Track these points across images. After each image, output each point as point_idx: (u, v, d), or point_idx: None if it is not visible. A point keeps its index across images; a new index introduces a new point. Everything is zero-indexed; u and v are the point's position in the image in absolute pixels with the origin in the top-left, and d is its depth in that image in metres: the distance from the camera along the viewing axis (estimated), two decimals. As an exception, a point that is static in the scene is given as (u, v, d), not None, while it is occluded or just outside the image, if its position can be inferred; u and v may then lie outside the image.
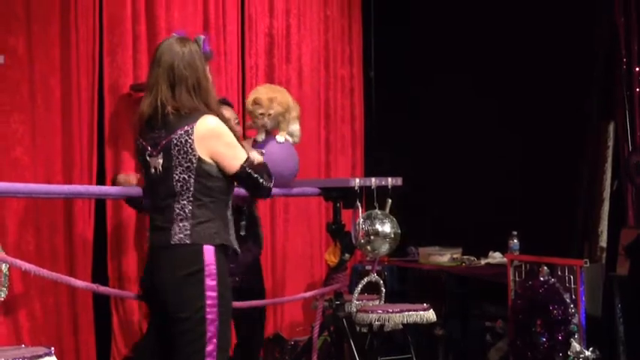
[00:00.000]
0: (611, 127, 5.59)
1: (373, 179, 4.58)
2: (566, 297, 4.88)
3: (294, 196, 4.64)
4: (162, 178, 3.24)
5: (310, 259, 6.46)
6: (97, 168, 5.35)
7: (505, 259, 5.45)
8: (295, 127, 4.45)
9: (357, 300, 5.04)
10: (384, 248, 4.58)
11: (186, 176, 3.21)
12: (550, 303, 4.89)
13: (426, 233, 6.35)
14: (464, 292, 5.96)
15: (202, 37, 3.38)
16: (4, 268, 4.50)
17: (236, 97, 5.97)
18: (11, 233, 5.01)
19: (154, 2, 5.60)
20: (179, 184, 3.21)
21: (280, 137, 4.36)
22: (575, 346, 4.78)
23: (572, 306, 4.85)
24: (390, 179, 4.60)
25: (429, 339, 5.82)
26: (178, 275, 3.17)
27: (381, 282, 5.13)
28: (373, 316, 4.90)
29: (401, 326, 5.11)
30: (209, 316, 3.16)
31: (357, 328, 5.02)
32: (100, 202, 5.31)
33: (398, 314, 4.91)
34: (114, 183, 5.01)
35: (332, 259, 4.65)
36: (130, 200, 4.25)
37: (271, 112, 4.32)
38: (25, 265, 3.53)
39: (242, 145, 3.34)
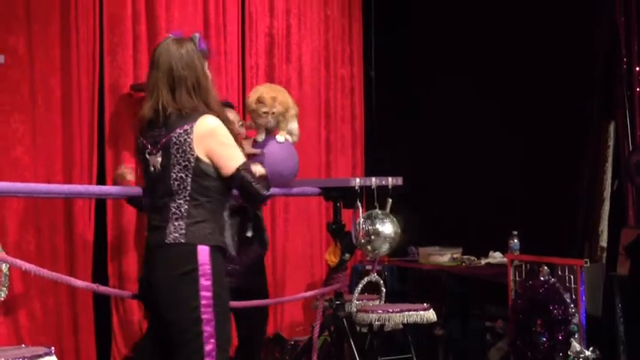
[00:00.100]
0: (612, 127, 5.60)
1: (373, 179, 4.58)
2: (567, 297, 4.88)
3: (294, 195, 4.64)
4: (161, 176, 3.24)
5: (310, 259, 6.46)
6: (98, 168, 5.35)
7: (505, 259, 5.45)
8: (294, 126, 4.45)
9: (358, 300, 5.04)
10: (385, 248, 4.58)
11: (183, 175, 3.20)
12: (550, 303, 4.89)
13: (426, 233, 6.34)
14: (464, 292, 5.96)
15: (197, 34, 3.37)
16: (5, 267, 4.51)
17: (236, 97, 5.97)
18: (11, 233, 5.01)
19: (154, 2, 5.60)
20: (176, 182, 3.21)
21: (280, 137, 4.36)
22: (576, 345, 4.78)
23: (572, 306, 4.85)
24: (390, 179, 4.60)
25: (429, 339, 5.82)
26: (172, 274, 3.17)
27: (382, 282, 5.13)
28: (373, 316, 4.90)
29: (401, 326, 5.11)
30: (205, 316, 3.15)
31: (358, 328, 5.02)
32: (101, 202, 5.31)
33: (398, 314, 4.91)
34: (114, 180, 5.02)
35: (332, 258, 4.65)
36: (131, 200, 4.25)
37: (275, 110, 4.32)
38: (25, 265, 3.53)
39: (241, 148, 3.34)
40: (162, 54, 3.28)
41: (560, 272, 4.98)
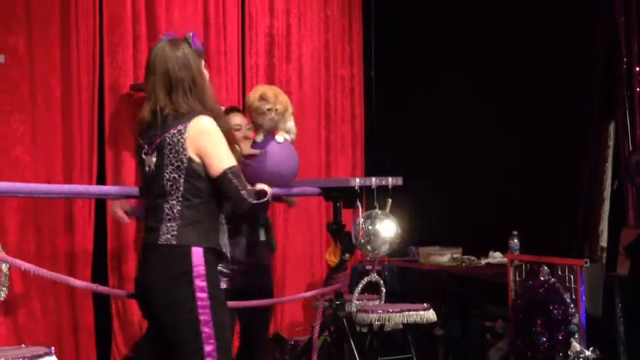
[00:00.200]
0: (612, 127, 5.59)
1: (373, 179, 4.57)
2: (567, 297, 4.88)
3: (294, 195, 4.63)
4: (155, 176, 3.24)
5: (310, 259, 6.46)
6: (97, 168, 5.35)
7: (505, 259, 5.45)
8: (292, 124, 4.45)
9: (358, 300, 5.04)
10: (384, 248, 4.57)
11: (176, 175, 3.19)
12: (550, 303, 4.89)
13: (426, 233, 6.34)
14: (464, 292, 5.95)
15: (191, 34, 3.36)
16: (4, 267, 4.51)
17: (236, 97, 5.97)
18: (11, 233, 5.01)
19: (154, 2, 5.61)
20: (169, 183, 3.20)
21: (280, 137, 4.36)
22: (576, 345, 4.78)
23: (572, 306, 4.85)
24: (390, 179, 4.59)
25: (429, 339, 5.81)
26: (166, 276, 3.17)
27: (382, 282, 5.12)
28: (373, 316, 4.90)
29: (401, 326, 5.11)
30: (202, 317, 3.15)
31: (358, 328, 5.02)
32: (100, 202, 5.31)
33: (398, 314, 4.91)
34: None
35: (332, 259, 4.64)
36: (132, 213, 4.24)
37: (278, 107, 4.31)
38: (25, 265, 3.53)
39: (234, 150, 3.31)
40: (157, 57, 3.26)
41: (560, 272, 4.98)
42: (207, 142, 3.19)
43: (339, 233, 4.61)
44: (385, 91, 6.97)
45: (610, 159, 5.57)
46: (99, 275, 5.27)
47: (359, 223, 4.48)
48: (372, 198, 4.54)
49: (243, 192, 3.21)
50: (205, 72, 3.35)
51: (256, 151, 4.29)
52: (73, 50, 5.24)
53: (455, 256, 6.10)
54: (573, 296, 4.88)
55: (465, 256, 6.10)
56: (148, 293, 3.23)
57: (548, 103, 5.85)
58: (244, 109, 4.51)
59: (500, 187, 6.00)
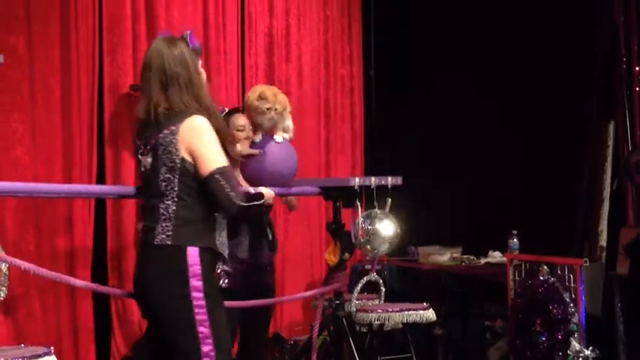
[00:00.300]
0: (611, 127, 5.60)
1: (373, 178, 4.57)
2: (566, 296, 4.88)
3: (293, 195, 4.63)
4: (151, 177, 3.24)
5: (310, 259, 6.46)
6: (97, 167, 5.35)
7: (505, 259, 5.45)
8: (289, 123, 4.45)
9: (357, 299, 5.04)
10: (384, 247, 4.57)
11: (170, 176, 3.19)
12: (550, 302, 4.89)
13: (425, 232, 6.34)
14: (463, 292, 5.96)
15: (188, 32, 3.36)
16: (4, 267, 4.50)
17: (236, 97, 5.97)
18: (11, 233, 5.01)
19: (153, 1, 5.60)
20: (164, 183, 3.20)
21: (278, 137, 4.36)
22: (575, 345, 4.78)
23: (571, 305, 4.86)
24: (389, 178, 4.59)
25: (429, 338, 5.82)
26: (162, 276, 3.16)
27: (381, 281, 5.13)
28: (373, 316, 4.90)
29: (401, 325, 5.11)
30: (199, 317, 3.14)
31: (357, 328, 5.02)
32: (100, 202, 5.31)
33: (397, 313, 4.91)
34: None
35: (332, 258, 4.64)
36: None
37: (277, 107, 4.31)
38: (25, 265, 3.52)
39: (232, 149, 3.30)
40: (154, 54, 3.26)
41: (559, 272, 4.98)
42: (197, 141, 3.18)
43: (338, 233, 4.61)
44: (385, 90, 6.97)
45: (609, 158, 5.57)
46: (99, 275, 5.27)
47: (358, 223, 4.48)
48: (371, 197, 4.54)
49: (231, 193, 3.17)
50: (202, 71, 3.34)
51: (255, 151, 4.30)
52: (72, 50, 5.24)
53: (454, 255, 6.11)
54: (573, 296, 4.88)
55: (465, 256, 6.10)
56: (145, 293, 3.23)
57: (548, 102, 5.85)
58: (243, 109, 4.51)
59: (500, 186, 6.01)
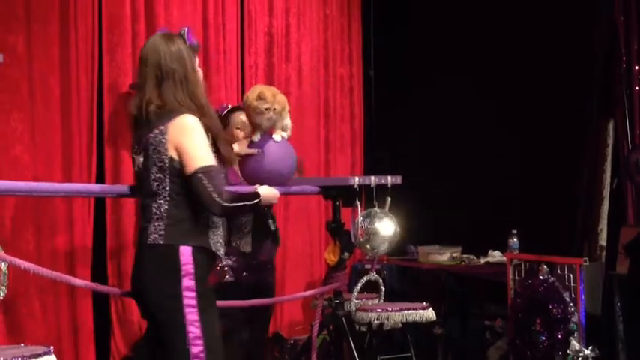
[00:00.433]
0: (611, 126, 5.59)
1: (373, 178, 4.56)
2: (566, 295, 4.88)
3: (293, 194, 4.63)
4: (143, 177, 3.23)
5: (310, 258, 6.46)
6: (97, 166, 5.35)
7: (504, 258, 5.45)
8: (288, 121, 4.45)
9: (357, 299, 5.04)
10: (384, 247, 4.57)
11: (161, 175, 3.17)
12: (549, 301, 4.89)
13: (425, 232, 6.34)
14: (463, 291, 5.96)
15: (186, 29, 3.34)
16: (4, 266, 4.50)
17: (235, 96, 5.97)
18: (11, 232, 5.00)
19: (153, 1, 5.60)
20: (155, 183, 3.18)
21: (277, 136, 4.35)
22: (575, 344, 4.78)
23: (571, 304, 4.85)
24: (389, 178, 4.59)
25: (429, 338, 5.82)
26: (155, 276, 3.15)
27: (381, 281, 5.12)
28: (372, 315, 4.90)
29: (400, 325, 5.11)
30: (190, 317, 3.11)
31: (357, 327, 5.02)
32: (100, 201, 5.31)
33: (397, 313, 4.91)
34: None
35: (331, 257, 4.64)
36: None
37: (276, 106, 4.31)
38: (25, 264, 3.52)
39: (226, 148, 3.27)
40: (150, 50, 3.25)
41: (559, 271, 4.98)
42: (185, 140, 3.14)
43: (338, 232, 4.60)
44: (384, 90, 6.97)
45: (609, 158, 5.57)
46: (98, 274, 5.27)
47: (358, 222, 4.48)
48: (371, 197, 4.54)
49: (213, 194, 3.12)
50: (199, 69, 3.32)
51: (254, 151, 4.29)
52: (72, 49, 5.24)
53: (454, 254, 6.11)
54: (572, 295, 4.88)
55: (465, 255, 6.10)
56: (141, 293, 3.22)
57: (548, 102, 5.85)
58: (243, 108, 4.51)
59: (500, 186, 6.00)
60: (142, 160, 3.22)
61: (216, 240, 3.27)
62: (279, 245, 4.71)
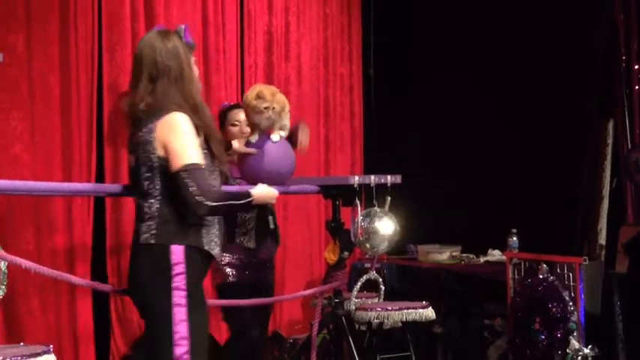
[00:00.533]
0: (611, 125, 5.59)
1: (372, 177, 4.56)
2: (565, 295, 4.87)
3: (292, 193, 4.63)
4: (135, 176, 3.21)
5: (309, 257, 6.46)
6: (96, 166, 5.35)
7: (504, 257, 5.45)
8: (287, 122, 4.45)
9: (356, 298, 5.04)
10: (383, 246, 4.57)
11: (151, 174, 3.14)
12: (549, 301, 4.89)
13: (425, 231, 6.34)
14: (463, 290, 5.95)
15: (183, 26, 3.31)
16: (3, 265, 4.50)
17: (235, 96, 5.97)
18: (10, 231, 5.00)
19: (152, 0, 5.60)
20: (146, 182, 3.15)
21: (275, 136, 4.34)
22: (574, 343, 4.78)
23: (571, 304, 4.85)
24: (389, 177, 4.59)
25: (428, 337, 5.81)
26: (146, 275, 3.13)
27: (380, 280, 5.12)
28: (372, 314, 4.90)
29: (400, 324, 5.11)
30: (177, 316, 3.07)
31: (356, 326, 5.02)
32: (99, 200, 5.31)
33: (397, 312, 4.91)
34: None
35: (331, 256, 4.64)
36: None
37: (275, 106, 4.31)
38: (24, 263, 3.52)
39: (218, 146, 3.24)
40: (146, 46, 3.21)
41: (559, 270, 4.98)
42: (171, 137, 3.10)
43: (338, 231, 4.60)
44: (384, 89, 6.97)
45: (609, 157, 5.57)
46: (98, 273, 5.27)
47: (358, 221, 4.48)
48: (371, 196, 4.54)
49: (195, 192, 3.06)
50: (195, 67, 3.28)
51: (252, 151, 4.29)
52: (71, 48, 5.24)
53: (454, 254, 6.11)
54: (572, 294, 4.88)
55: (464, 254, 6.11)
56: (136, 292, 3.21)
57: (548, 101, 5.85)
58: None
59: (500, 185, 6.01)
60: (133, 159, 3.21)
61: (210, 239, 3.22)
62: (279, 244, 4.70)
